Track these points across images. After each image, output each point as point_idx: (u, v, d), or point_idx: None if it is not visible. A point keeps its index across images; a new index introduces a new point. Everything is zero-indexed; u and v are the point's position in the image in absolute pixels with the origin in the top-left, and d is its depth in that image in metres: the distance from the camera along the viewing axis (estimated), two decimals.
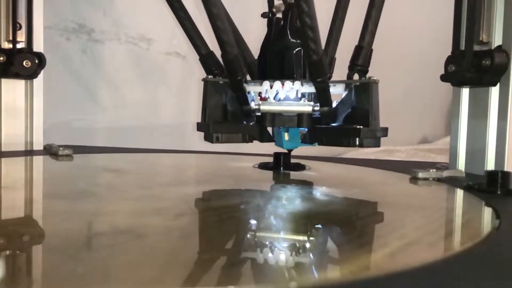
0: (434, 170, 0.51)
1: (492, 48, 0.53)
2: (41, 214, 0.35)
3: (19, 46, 0.67)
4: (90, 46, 0.95)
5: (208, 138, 0.48)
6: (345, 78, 0.49)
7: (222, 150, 0.74)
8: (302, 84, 0.47)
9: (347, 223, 0.34)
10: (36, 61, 0.67)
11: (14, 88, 0.70)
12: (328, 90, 0.46)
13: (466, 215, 0.38)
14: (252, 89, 0.48)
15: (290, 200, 0.42)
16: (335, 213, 0.37)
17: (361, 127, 0.45)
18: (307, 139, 0.50)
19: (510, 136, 0.53)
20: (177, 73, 1.03)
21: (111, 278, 0.21)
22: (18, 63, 0.66)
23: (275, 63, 0.50)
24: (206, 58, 0.50)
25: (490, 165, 0.54)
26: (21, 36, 0.67)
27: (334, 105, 0.48)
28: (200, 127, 0.48)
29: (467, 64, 0.52)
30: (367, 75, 0.48)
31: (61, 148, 0.63)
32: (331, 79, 0.50)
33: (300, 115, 0.48)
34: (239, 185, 0.51)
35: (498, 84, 0.53)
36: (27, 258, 0.24)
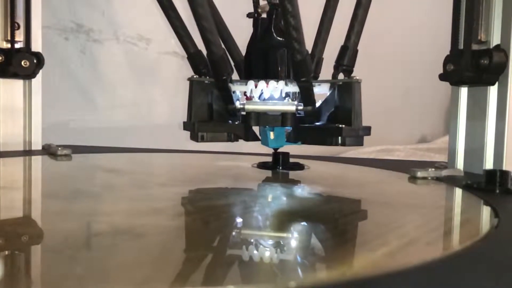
0: (433, 169, 0.51)
1: (491, 47, 0.53)
2: (40, 214, 0.35)
3: (17, 46, 0.67)
4: (89, 46, 0.95)
5: (193, 137, 0.48)
6: (331, 78, 0.49)
7: (221, 150, 0.74)
8: (286, 84, 0.47)
9: (345, 223, 0.34)
10: (35, 61, 0.67)
11: (12, 88, 0.70)
12: (312, 90, 0.47)
13: (465, 214, 0.38)
14: (237, 88, 0.49)
15: (288, 200, 0.42)
16: (334, 212, 0.37)
17: (343, 126, 0.45)
18: (292, 138, 0.50)
19: (508, 135, 0.53)
20: (176, 73, 1.03)
21: (110, 277, 0.21)
22: (16, 63, 0.66)
23: (260, 63, 0.50)
24: (193, 57, 0.50)
25: (489, 164, 0.54)
26: (19, 36, 0.67)
27: (318, 104, 0.48)
28: (186, 126, 0.49)
29: (465, 63, 0.52)
30: (352, 75, 0.48)
31: (59, 148, 0.63)
32: (319, 79, 0.50)
33: (284, 114, 0.48)
34: (238, 184, 0.51)
35: (497, 83, 0.53)
36: (26, 258, 0.24)
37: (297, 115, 0.48)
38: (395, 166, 0.58)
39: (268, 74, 0.49)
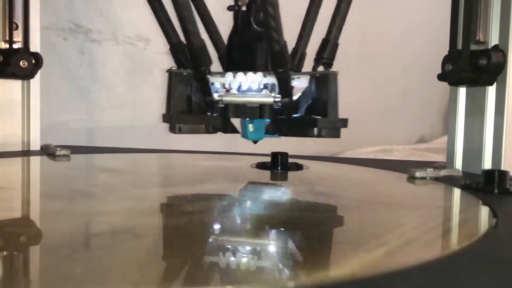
0: (432, 169, 0.51)
1: (489, 47, 0.53)
2: (38, 215, 0.35)
3: (15, 46, 0.67)
4: (87, 46, 0.95)
5: (171, 129, 0.48)
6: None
7: (221, 150, 0.74)
8: (264, 75, 0.47)
9: (345, 222, 0.34)
10: (33, 61, 0.67)
11: (11, 88, 0.70)
12: (289, 81, 0.47)
13: (463, 214, 0.38)
14: (216, 80, 0.48)
15: (286, 200, 0.42)
16: (333, 212, 0.37)
17: (319, 117, 0.45)
18: (270, 130, 0.50)
19: (506, 135, 0.53)
20: None
21: (109, 278, 0.21)
22: (15, 63, 0.66)
23: (240, 55, 0.50)
24: (176, 47, 0.50)
25: (487, 164, 0.54)
26: (18, 36, 0.67)
27: (297, 96, 0.48)
28: (164, 118, 0.49)
29: (464, 63, 0.52)
30: (332, 68, 0.49)
31: (58, 148, 0.63)
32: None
33: (262, 106, 0.48)
34: (237, 184, 0.51)
35: (495, 83, 0.53)
36: (24, 258, 0.24)
37: (276, 107, 0.48)
38: (393, 166, 0.58)
39: (247, 65, 0.49)
